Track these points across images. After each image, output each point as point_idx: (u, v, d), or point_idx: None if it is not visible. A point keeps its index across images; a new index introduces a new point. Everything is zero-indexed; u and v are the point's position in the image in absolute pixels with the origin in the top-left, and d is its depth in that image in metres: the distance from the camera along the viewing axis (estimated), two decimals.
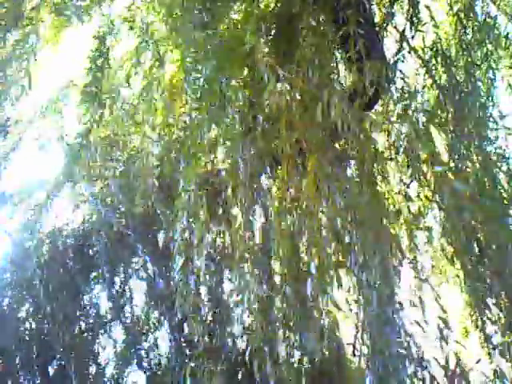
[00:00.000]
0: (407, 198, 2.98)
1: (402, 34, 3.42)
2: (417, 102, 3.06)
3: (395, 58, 3.27)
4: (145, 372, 3.85)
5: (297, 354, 2.90)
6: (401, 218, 2.66)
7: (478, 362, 2.71)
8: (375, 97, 2.96)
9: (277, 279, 3.01)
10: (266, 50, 2.96)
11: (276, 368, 2.71)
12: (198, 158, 2.82)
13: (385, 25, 3.56)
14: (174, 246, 2.87)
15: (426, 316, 2.37)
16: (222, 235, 3.18)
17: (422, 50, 3.57)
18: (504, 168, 3.10)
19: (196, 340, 3.07)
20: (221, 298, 3.57)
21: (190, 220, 2.81)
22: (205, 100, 2.90)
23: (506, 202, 2.90)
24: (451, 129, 3.07)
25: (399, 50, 3.28)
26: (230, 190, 2.61)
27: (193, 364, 3.10)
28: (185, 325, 3.56)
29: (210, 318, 3.56)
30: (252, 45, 2.79)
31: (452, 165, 2.86)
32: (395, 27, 3.67)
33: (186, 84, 3.19)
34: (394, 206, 2.94)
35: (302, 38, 2.85)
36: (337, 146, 2.62)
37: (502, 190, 2.92)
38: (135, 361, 3.87)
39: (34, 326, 4.15)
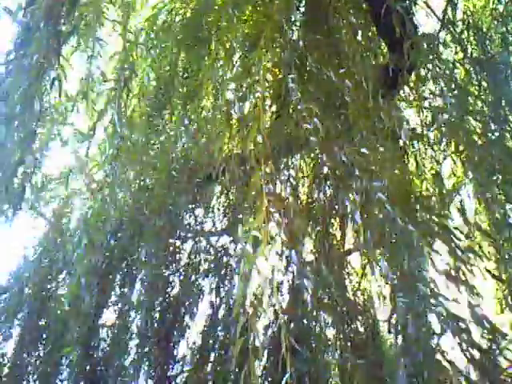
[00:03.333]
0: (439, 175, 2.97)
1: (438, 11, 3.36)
2: (450, 76, 3.03)
3: (427, 33, 3.22)
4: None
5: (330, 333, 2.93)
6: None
7: None
8: (407, 72, 2.94)
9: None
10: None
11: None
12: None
13: None
14: None
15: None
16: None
17: (453, 23, 3.51)
18: None
19: None
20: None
21: None
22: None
23: None
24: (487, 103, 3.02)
25: (442, 26, 3.21)
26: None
27: None
28: None
29: None
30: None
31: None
32: (425, 2, 3.62)
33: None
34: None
35: (335, 14, 2.85)
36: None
37: None
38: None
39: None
